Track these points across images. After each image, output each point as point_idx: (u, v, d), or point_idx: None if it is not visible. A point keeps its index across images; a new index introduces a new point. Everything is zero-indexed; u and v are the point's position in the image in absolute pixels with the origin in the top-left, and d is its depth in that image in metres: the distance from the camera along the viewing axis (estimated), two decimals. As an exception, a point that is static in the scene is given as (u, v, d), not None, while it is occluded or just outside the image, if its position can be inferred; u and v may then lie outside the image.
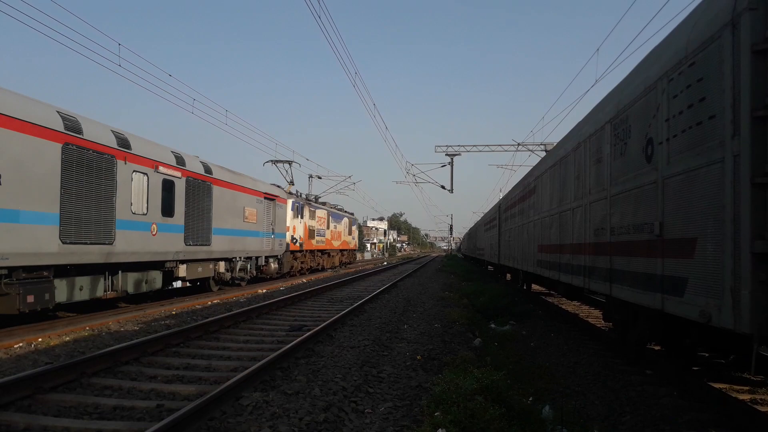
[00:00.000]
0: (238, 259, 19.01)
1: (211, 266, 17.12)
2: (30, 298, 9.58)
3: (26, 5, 12.20)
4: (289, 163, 28.85)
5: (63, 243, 10.34)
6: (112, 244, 11.82)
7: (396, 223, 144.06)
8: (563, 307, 15.13)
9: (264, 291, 18.34)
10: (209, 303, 14.36)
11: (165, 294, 16.33)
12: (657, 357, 7.84)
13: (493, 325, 11.49)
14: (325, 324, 9.54)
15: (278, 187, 24.42)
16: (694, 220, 4.65)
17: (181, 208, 14.90)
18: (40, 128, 9.82)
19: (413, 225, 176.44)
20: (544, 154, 26.49)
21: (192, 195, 15.50)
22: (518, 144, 30.34)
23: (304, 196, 30.35)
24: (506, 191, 23.60)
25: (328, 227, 33.68)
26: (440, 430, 4.39)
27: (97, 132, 11.50)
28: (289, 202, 25.59)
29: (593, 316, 13.22)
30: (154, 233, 13.60)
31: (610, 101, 7.43)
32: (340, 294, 17.01)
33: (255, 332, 9.65)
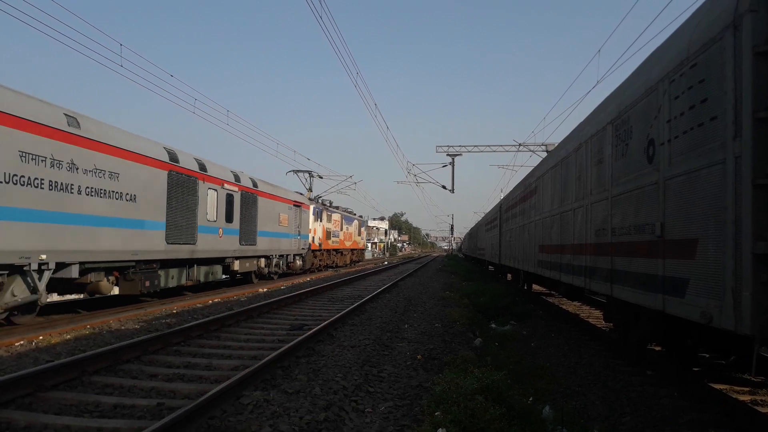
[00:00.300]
0: (274, 256, 22.90)
1: (255, 262, 20.96)
2: (147, 283, 13.15)
3: (27, 5, 12.21)
4: (309, 173, 34.08)
5: (167, 243, 14.02)
6: (195, 244, 15.49)
7: (397, 223, 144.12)
8: (564, 307, 15.13)
9: (265, 290, 18.36)
10: (210, 302, 14.38)
11: (221, 284, 19.80)
12: (658, 358, 7.84)
13: (493, 325, 11.50)
14: (325, 323, 9.54)
15: (301, 194, 28.71)
16: (695, 221, 4.65)
17: (238, 215, 18.78)
18: (156, 161, 13.63)
19: (414, 225, 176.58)
20: (545, 154, 26.49)
21: (244, 205, 19.43)
22: (519, 144, 30.34)
23: (320, 201, 34.48)
24: (507, 191, 23.62)
25: (341, 229, 38.33)
26: (441, 429, 4.40)
27: (187, 160, 15.31)
28: (311, 207, 29.82)
29: (594, 316, 13.22)
30: (220, 236, 17.40)
31: (611, 102, 7.43)
32: (341, 293, 17.02)
33: (256, 331, 9.66)
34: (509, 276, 24.37)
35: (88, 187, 11.14)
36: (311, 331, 8.64)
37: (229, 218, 17.98)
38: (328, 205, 35.71)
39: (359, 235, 46.64)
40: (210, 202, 16.58)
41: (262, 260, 21.63)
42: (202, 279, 16.51)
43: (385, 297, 15.95)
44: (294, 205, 25.61)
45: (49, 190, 10.12)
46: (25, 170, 9.52)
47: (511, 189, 20.43)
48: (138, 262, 12.81)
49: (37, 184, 9.84)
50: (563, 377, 7.31)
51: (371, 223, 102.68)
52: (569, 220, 9.44)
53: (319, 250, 32.08)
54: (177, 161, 14.62)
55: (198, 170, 15.82)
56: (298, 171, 33.90)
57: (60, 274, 10.60)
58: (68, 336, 8.99)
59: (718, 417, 5.47)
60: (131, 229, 12.55)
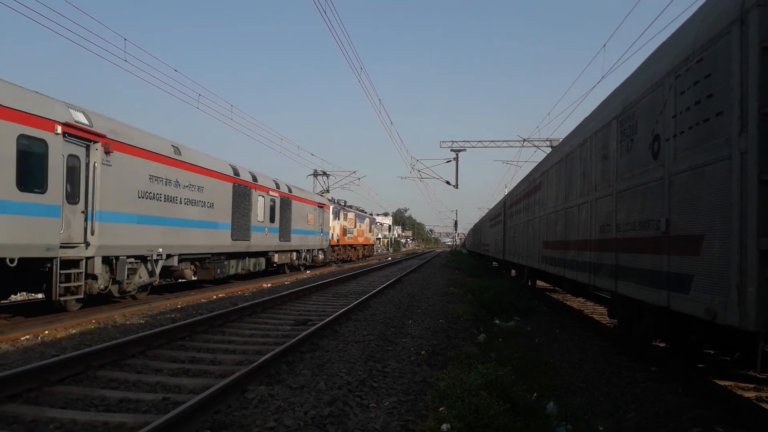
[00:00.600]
0: (303, 250, 27.27)
1: (290, 255, 25.35)
2: (218, 271, 17.31)
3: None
4: (326, 175, 39.90)
5: (232, 240, 18.25)
6: (249, 240, 19.74)
7: (401, 219, 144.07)
8: (568, 303, 15.12)
9: (269, 285, 18.43)
10: (214, 297, 14.44)
11: (263, 273, 23.19)
12: (662, 354, 7.83)
13: (497, 321, 11.50)
14: (329, 318, 9.57)
15: (321, 195, 33.79)
16: (700, 217, 4.63)
17: (278, 217, 22.91)
18: (225, 175, 17.88)
19: (418, 220, 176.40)
20: (549, 149, 26.41)
21: (282, 208, 23.53)
22: (524, 140, 30.28)
23: (336, 201, 38.14)
24: (511, 187, 23.57)
25: (355, 226, 42.70)
26: (445, 425, 4.41)
27: (244, 173, 19.59)
28: (331, 207, 33.84)
29: (598, 312, 13.20)
30: (266, 233, 21.54)
31: (616, 97, 7.40)
32: (345, 289, 17.05)
33: (260, 326, 9.69)
34: (513, 272, 24.35)
35: (185, 198, 15.16)
36: (315, 327, 8.66)
37: (272, 219, 22.19)
38: (343, 204, 39.50)
39: (370, 231, 51.25)
40: (259, 207, 20.85)
41: (294, 254, 25.93)
42: (251, 269, 20.66)
43: (389, 293, 15.96)
44: (318, 206, 29.96)
45: (164, 201, 14.06)
46: (152, 188, 13.50)
47: (516, 185, 20.39)
48: (213, 254, 17.04)
49: (158, 197, 13.79)
50: (567, 373, 7.30)
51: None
52: (574, 215, 9.41)
53: (337, 245, 36.47)
54: (238, 175, 18.90)
55: (251, 181, 20.05)
56: (318, 174, 39.56)
57: (166, 263, 14.39)
58: (73, 331, 9.04)
59: (722, 414, 5.45)
60: (210, 229, 16.67)
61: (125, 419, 4.60)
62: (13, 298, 13.52)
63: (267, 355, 6.48)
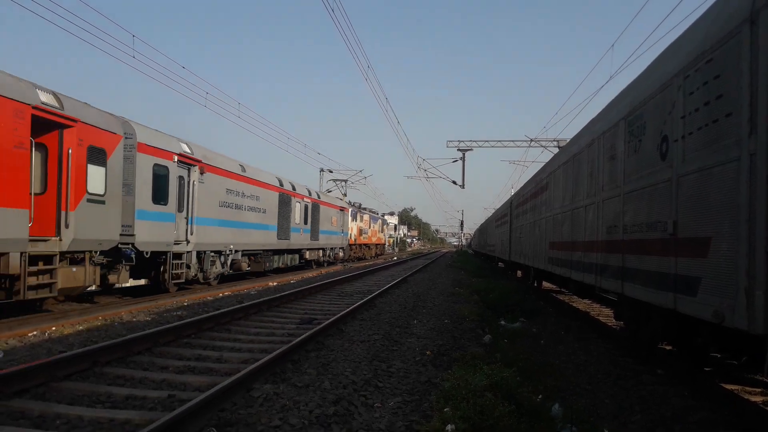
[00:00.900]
0: (328, 248, 31.40)
1: (317, 252, 29.61)
2: (267, 264, 21.52)
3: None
4: (344, 181, 44.20)
5: (278, 239, 22.28)
6: (289, 239, 23.89)
7: (406, 218, 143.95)
8: (574, 305, 15.06)
9: (275, 284, 18.47)
10: (220, 295, 14.49)
11: (296, 268, 27.39)
12: (668, 356, 7.79)
13: (503, 322, 11.46)
14: (335, 318, 9.58)
15: (340, 199, 37.33)
16: (708, 218, 4.60)
17: (309, 219, 27.14)
18: (273, 186, 21.94)
19: (424, 220, 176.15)
20: (556, 150, 26.32)
21: (313, 212, 27.81)
22: (531, 140, 30.19)
23: (353, 204, 41.68)
24: (518, 187, 23.51)
25: (369, 227, 46.85)
26: (449, 425, 4.40)
27: (286, 184, 23.55)
28: (350, 210, 37.55)
29: (604, 314, 13.14)
30: (301, 234, 25.78)
31: (624, 98, 7.36)
32: (350, 288, 17.06)
33: (266, 324, 9.72)
34: (519, 273, 24.28)
35: (248, 206, 19.23)
36: (321, 326, 8.67)
37: (305, 222, 26.41)
38: (359, 207, 43.31)
39: (381, 231, 55.58)
40: (296, 211, 24.93)
41: (321, 251, 30.14)
42: (288, 264, 24.84)
43: (394, 292, 15.96)
44: (340, 209, 34.19)
45: (235, 209, 18.11)
46: (228, 198, 17.57)
47: (522, 185, 20.33)
48: (263, 251, 21.10)
49: (231, 206, 17.84)
50: (573, 375, 7.27)
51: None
52: (580, 216, 9.38)
53: (354, 244, 40.61)
54: (282, 185, 23.03)
55: (291, 190, 24.17)
56: (337, 180, 43.94)
57: (233, 257, 18.36)
58: (81, 327, 9.10)
59: (728, 417, 5.42)
60: (263, 230, 20.79)
61: (131, 416, 4.62)
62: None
63: (272, 354, 6.49)
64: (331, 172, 45.78)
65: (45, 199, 10.08)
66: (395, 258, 50.59)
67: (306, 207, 26.37)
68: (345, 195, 42.07)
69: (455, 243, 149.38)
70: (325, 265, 30.94)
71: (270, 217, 21.36)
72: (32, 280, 9.46)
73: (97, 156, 11.13)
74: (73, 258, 10.75)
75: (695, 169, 4.86)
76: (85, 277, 10.92)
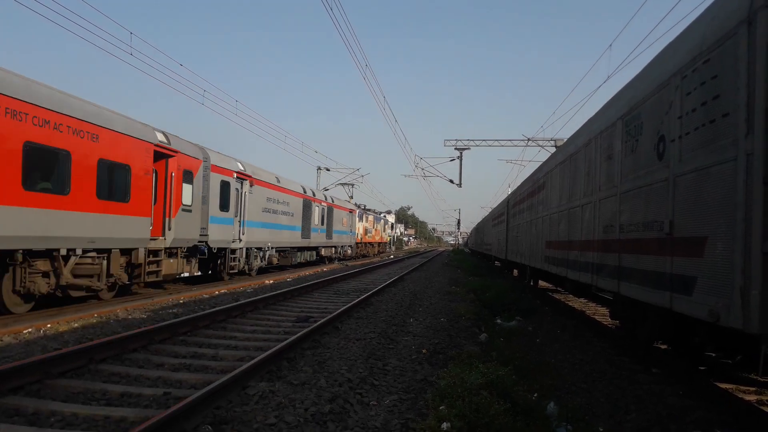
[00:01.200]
0: (338, 247, 35.91)
1: (331, 250, 33.77)
2: (293, 260, 25.99)
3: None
4: (351, 185, 47.59)
5: (301, 238, 26.50)
6: (310, 238, 28.16)
7: (403, 217, 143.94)
8: (570, 304, 15.09)
9: (271, 282, 18.45)
10: (216, 293, 14.45)
11: (312, 263, 30.73)
12: (664, 356, 7.81)
13: (499, 321, 11.48)
14: (331, 316, 9.57)
15: (348, 201, 42.12)
16: (704, 218, 4.61)
17: (325, 221, 31.48)
18: (299, 193, 26.18)
19: (420, 219, 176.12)
20: (554, 149, 26.35)
21: (328, 214, 32.09)
22: (528, 139, 30.22)
23: (358, 205, 45.75)
24: (515, 186, 23.54)
25: (373, 227, 51.20)
26: (445, 423, 4.40)
27: (308, 191, 27.98)
28: (357, 211, 41.82)
29: (600, 313, 13.18)
30: (319, 233, 29.96)
31: (622, 97, 7.37)
32: (347, 286, 17.05)
33: (262, 322, 9.70)
34: (515, 272, 24.32)
35: (281, 210, 23.36)
36: (317, 324, 8.66)
37: (322, 223, 30.63)
38: (364, 208, 47.68)
39: (384, 231, 60.90)
40: (316, 214, 29.20)
41: (333, 249, 34.48)
42: (308, 259, 29.02)
43: (390, 291, 15.97)
44: (349, 211, 38.49)
45: (272, 213, 22.22)
46: (267, 205, 21.67)
47: (519, 184, 20.35)
48: (291, 248, 25.36)
49: (269, 210, 21.98)
50: (568, 374, 7.29)
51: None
52: (577, 216, 9.39)
53: (360, 243, 44.51)
54: (305, 192, 27.47)
55: (312, 196, 28.63)
56: (345, 184, 46.96)
57: (270, 253, 22.18)
58: (76, 324, 9.06)
59: (723, 416, 5.44)
60: (291, 231, 24.91)
61: (126, 413, 4.61)
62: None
63: (268, 352, 6.48)
64: (328, 170, 45.81)
65: (156, 209, 13.74)
66: (392, 256, 50.65)
67: (323, 210, 30.78)
68: (351, 197, 45.80)
69: (452, 242, 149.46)
70: (336, 261, 34.92)
71: (296, 219, 25.68)
72: (148, 268, 13.31)
73: (188, 176, 15.18)
74: (171, 252, 14.57)
75: (692, 169, 4.87)
76: (177, 266, 14.90)
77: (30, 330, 8.47)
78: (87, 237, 10.98)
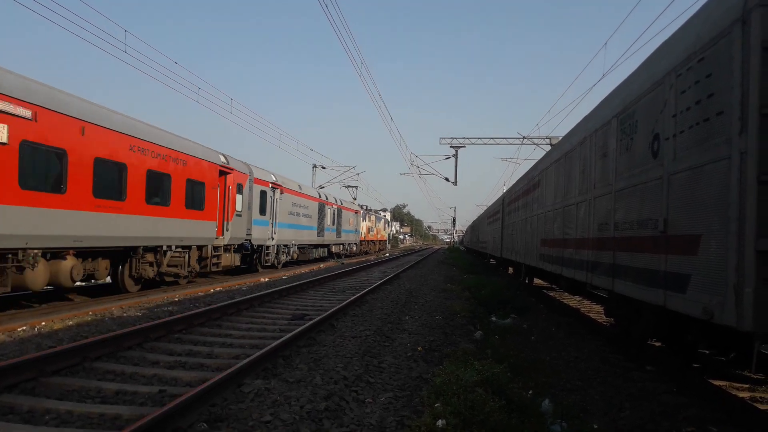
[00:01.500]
0: (345, 244, 39.60)
1: (339, 247, 37.56)
2: (310, 255, 30.55)
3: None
4: (355, 187, 51.02)
5: (317, 237, 30.93)
6: (323, 237, 32.19)
7: (399, 215, 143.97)
8: (565, 301, 15.14)
9: (266, 279, 18.44)
10: (211, 290, 14.43)
11: (321, 258, 34.38)
12: (658, 353, 7.85)
13: (494, 318, 11.50)
14: (327, 314, 9.57)
15: (353, 203, 45.35)
16: (699, 216, 4.64)
17: (335, 221, 35.40)
18: (316, 198, 30.81)
19: (416, 217, 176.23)
20: (549, 147, 26.39)
21: (337, 215, 35.94)
22: (523, 137, 30.27)
23: (362, 206, 49.36)
24: (510, 184, 23.57)
25: (375, 226, 54.68)
26: (440, 420, 4.41)
27: (323, 195, 32.48)
28: (361, 212, 45.69)
29: (595, 311, 13.23)
30: (330, 232, 33.72)
31: (617, 96, 7.39)
32: (342, 284, 17.05)
33: (257, 320, 9.69)
34: (511, 269, 24.36)
35: (301, 213, 27.31)
36: (312, 321, 8.67)
37: (332, 223, 34.57)
38: (366, 209, 51.47)
39: (384, 229, 64.74)
40: (328, 216, 33.09)
41: (341, 246, 38.17)
42: (323, 254, 33.21)
43: (386, 288, 15.97)
44: (354, 212, 42.47)
45: (295, 216, 26.20)
46: (292, 209, 25.66)
47: (515, 182, 20.39)
48: (308, 245, 29.06)
49: (294, 213, 25.89)
50: (563, 371, 7.32)
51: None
52: (572, 214, 9.42)
53: (363, 241, 47.83)
54: (320, 197, 31.39)
55: (325, 200, 32.50)
56: (349, 186, 50.03)
57: (292, 249, 25.91)
58: (70, 322, 9.03)
59: (717, 413, 5.48)
60: (309, 230, 29.00)
61: (121, 411, 4.60)
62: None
63: (264, 349, 6.48)
64: (324, 168, 45.84)
65: (219, 215, 17.44)
66: (387, 254, 50.71)
67: (334, 212, 35.03)
68: (355, 199, 48.89)
69: (447, 240, 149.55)
70: (343, 257, 38.38)
71: (313, 220, 29.86)
72: (213, 260, 17.06)
73: (239, 188, 19.15)
74: (227, 248, 18.23)
75: (686, 167, 4.90)
76: (232, 260, 18.70)
77: (24, 328, 8.44)
78: (179, 236, 14.80)
